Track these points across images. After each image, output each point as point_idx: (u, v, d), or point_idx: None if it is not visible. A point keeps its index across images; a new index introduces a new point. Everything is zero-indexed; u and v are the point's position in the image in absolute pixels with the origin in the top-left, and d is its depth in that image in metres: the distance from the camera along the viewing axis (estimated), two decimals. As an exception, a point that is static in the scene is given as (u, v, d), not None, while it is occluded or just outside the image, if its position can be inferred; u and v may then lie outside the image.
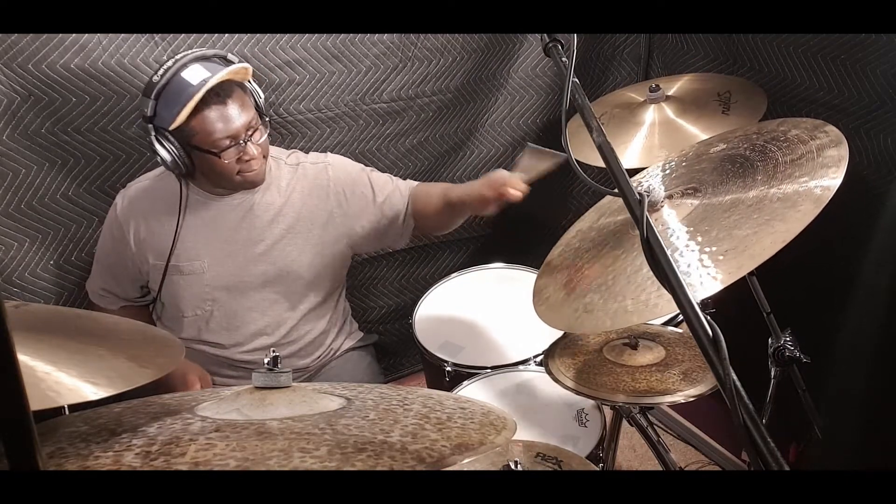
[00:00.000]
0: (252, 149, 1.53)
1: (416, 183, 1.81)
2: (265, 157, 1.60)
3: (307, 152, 1.79)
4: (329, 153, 1.79)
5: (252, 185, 1.62)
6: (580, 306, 1.17)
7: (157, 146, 1.49)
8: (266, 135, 1.58)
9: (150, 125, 1.48)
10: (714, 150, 1.35)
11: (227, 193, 1.65)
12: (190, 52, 1.51)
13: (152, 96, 1.46)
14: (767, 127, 1.30)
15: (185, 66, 1.46)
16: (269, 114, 1.77)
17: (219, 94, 1.47)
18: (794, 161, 1.13)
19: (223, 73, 1.46)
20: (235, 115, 1.49)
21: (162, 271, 1.66)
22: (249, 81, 1.57)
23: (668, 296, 1.01)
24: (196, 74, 1.46)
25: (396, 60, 2.02)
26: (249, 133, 1.52)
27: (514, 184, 1.50)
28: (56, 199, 1.77)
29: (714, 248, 1.04)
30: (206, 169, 1.55)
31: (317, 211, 1.70)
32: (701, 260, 1.03)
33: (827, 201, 1.00)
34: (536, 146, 1.59)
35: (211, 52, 1.53)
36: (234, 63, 1.52)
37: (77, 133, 1.73)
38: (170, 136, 1.49)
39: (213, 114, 1.47)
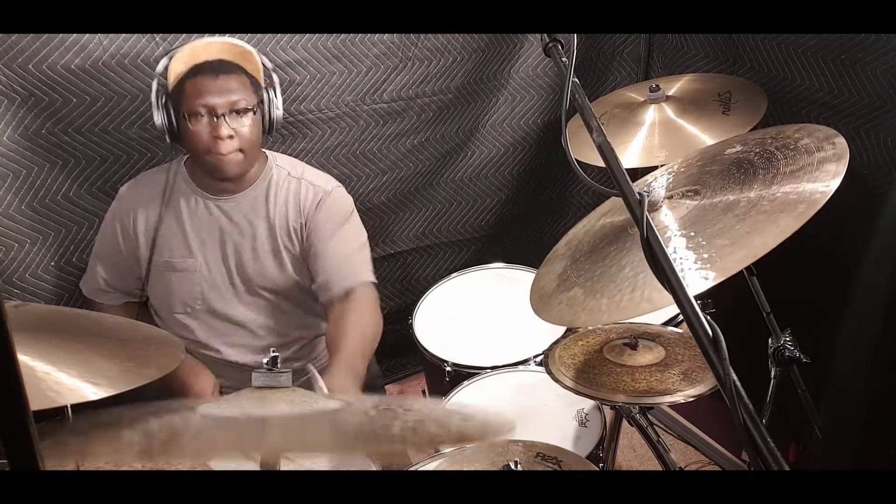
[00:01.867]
0: (223, 128, 1.52)
1: (372, 284, 1.76)
2: (242, 150, 1.57)
3: (308, 152, 1.76)
4: (340, 186, 1.75)
5: (220, 172, 1.59)
6: (563, 299, 1.17)
7: (153, 100, 1.55)
8: (249, 126, 1.56)
9: (156, 80, 1.55)
10: (729, 151, 1.32)
11: (222, 196, 1.64)
12: (227, 37, 1.57)
13: (169, 55, 1.54)
14: (785, 132, 1.27)
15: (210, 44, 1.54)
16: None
17: (214, 67, 1.52)
18: (793, 172, 1.11)
19: (214, 38, 1.54)
20: (221, 90, 1.52)
21: (159, 266, 1.66)
22: (271, 90, 1.61)
23: (639, 298, 1.01)
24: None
25: (397, 61, 2.02)
26: (229, 111, 1.53)
27: None
28: (56, 199, 1.77)
29: (693, 256, 1.02)
30: (186, 140, 1.57)
31: (301, 226, 1.70)
32: (681, 265, 1.02)
33: (808, 218, 0.97)
34: None
35: (250, 48, 1.57)
36: (261, 63, 1.58)
37: (77, 133, 1.73)
38: (167, 97, 1.55)
39: (202, 81, 1.51)
